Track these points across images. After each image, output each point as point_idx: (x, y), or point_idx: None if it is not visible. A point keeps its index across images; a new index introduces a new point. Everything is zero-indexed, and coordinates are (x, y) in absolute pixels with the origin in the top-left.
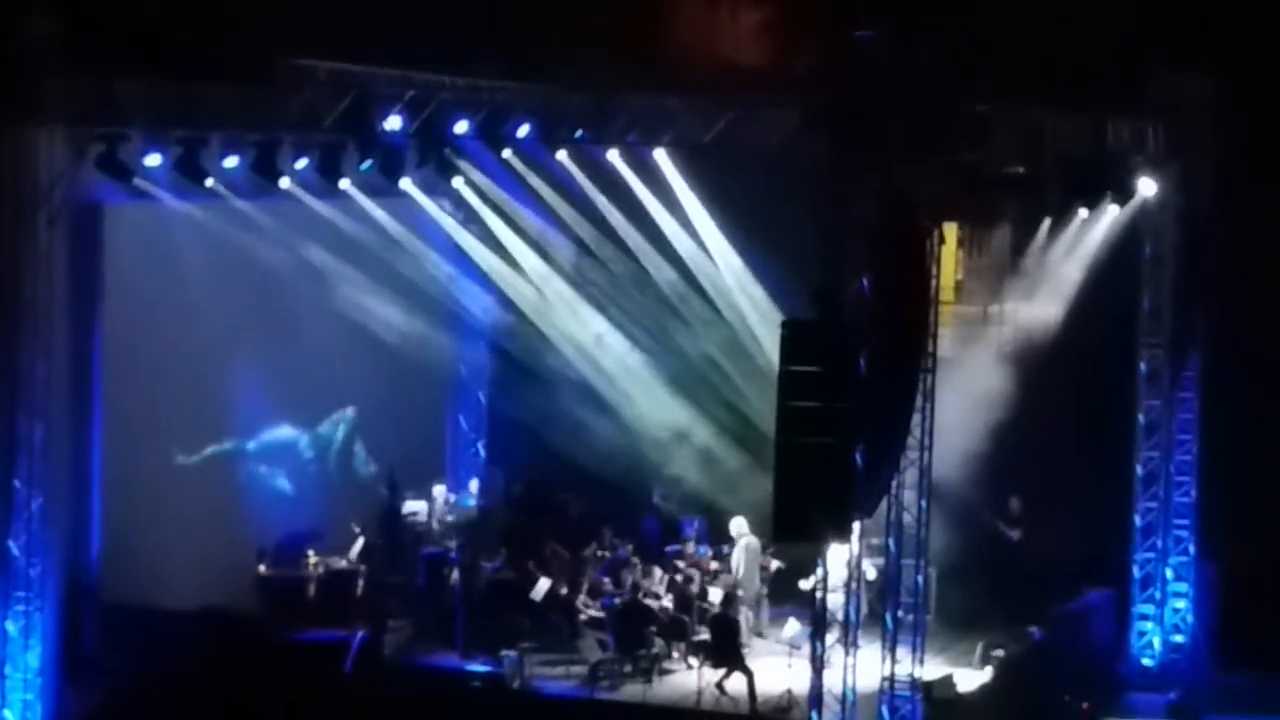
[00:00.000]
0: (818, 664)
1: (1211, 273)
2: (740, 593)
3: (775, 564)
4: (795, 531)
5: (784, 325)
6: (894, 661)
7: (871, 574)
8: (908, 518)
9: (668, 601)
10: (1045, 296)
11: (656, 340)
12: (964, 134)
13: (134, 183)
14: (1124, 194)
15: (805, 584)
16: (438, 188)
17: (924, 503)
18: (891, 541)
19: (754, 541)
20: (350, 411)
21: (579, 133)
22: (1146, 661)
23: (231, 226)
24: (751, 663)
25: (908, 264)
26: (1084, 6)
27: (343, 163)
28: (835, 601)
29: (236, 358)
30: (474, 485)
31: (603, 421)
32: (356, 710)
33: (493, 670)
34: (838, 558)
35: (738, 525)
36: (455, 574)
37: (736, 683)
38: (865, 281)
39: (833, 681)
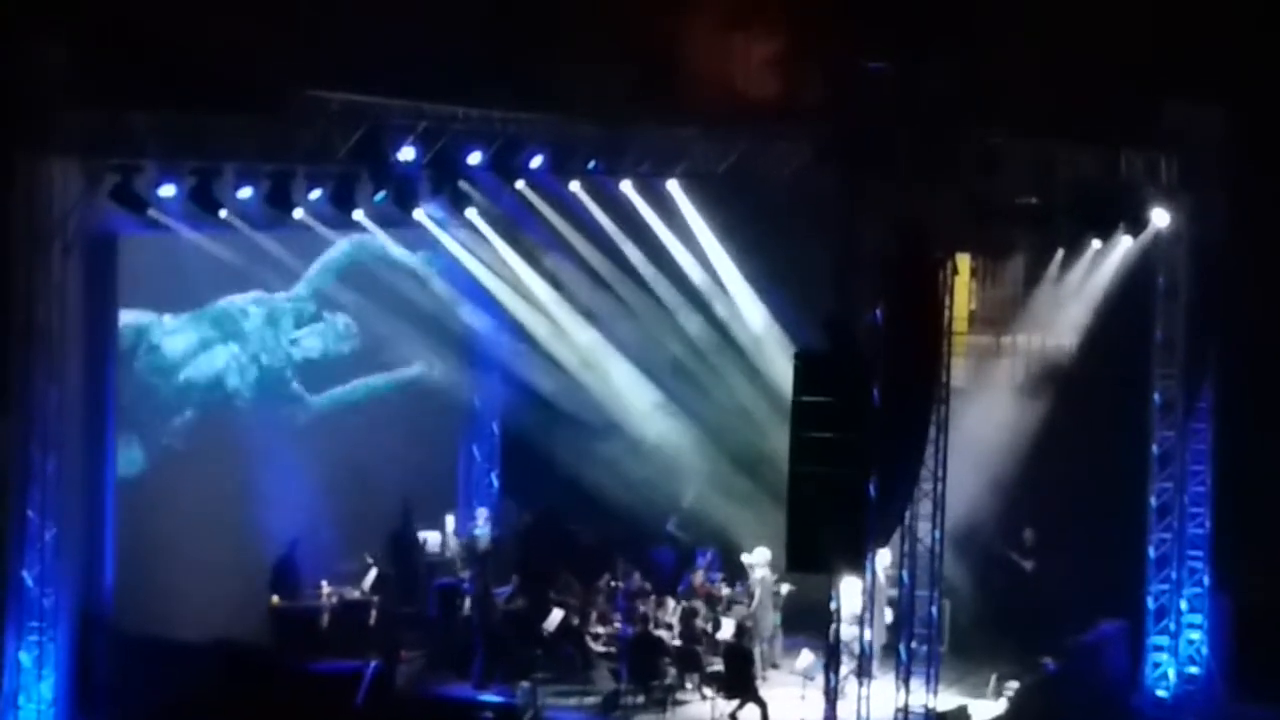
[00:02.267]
0: (831, 695)
1: (1225, 303)
2: (753, 624)
3: (786, 586)
4: (809, 562)
5: (797, 356)
6: (908, 692)
7: (887, 614)
8: (921, 548)
9: (681, 632)
10: (1058, 327)
11: (669, 370)
12: (976, 164)
13: (148, 213)
14: (1137, 225)
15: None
16: (451, 218)
17: (938, 533)
18: (905, 572)
19: (768, 573)
20: None
21: (592, 164)
22: (1161, 693)
23: (245, 257)
24: (765, 694)
25: (920, 294)
26: (1097, 37)
27: (356, 193)
28: (849, 632)
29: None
30: (482, 515)
31: (616, 452)
32: None
33: (506, 701)
34: (851, 589)
35: (758, 555)
36: (468, 604)
37: (750, 714)
38: (878, 312)
39: (846, 713)
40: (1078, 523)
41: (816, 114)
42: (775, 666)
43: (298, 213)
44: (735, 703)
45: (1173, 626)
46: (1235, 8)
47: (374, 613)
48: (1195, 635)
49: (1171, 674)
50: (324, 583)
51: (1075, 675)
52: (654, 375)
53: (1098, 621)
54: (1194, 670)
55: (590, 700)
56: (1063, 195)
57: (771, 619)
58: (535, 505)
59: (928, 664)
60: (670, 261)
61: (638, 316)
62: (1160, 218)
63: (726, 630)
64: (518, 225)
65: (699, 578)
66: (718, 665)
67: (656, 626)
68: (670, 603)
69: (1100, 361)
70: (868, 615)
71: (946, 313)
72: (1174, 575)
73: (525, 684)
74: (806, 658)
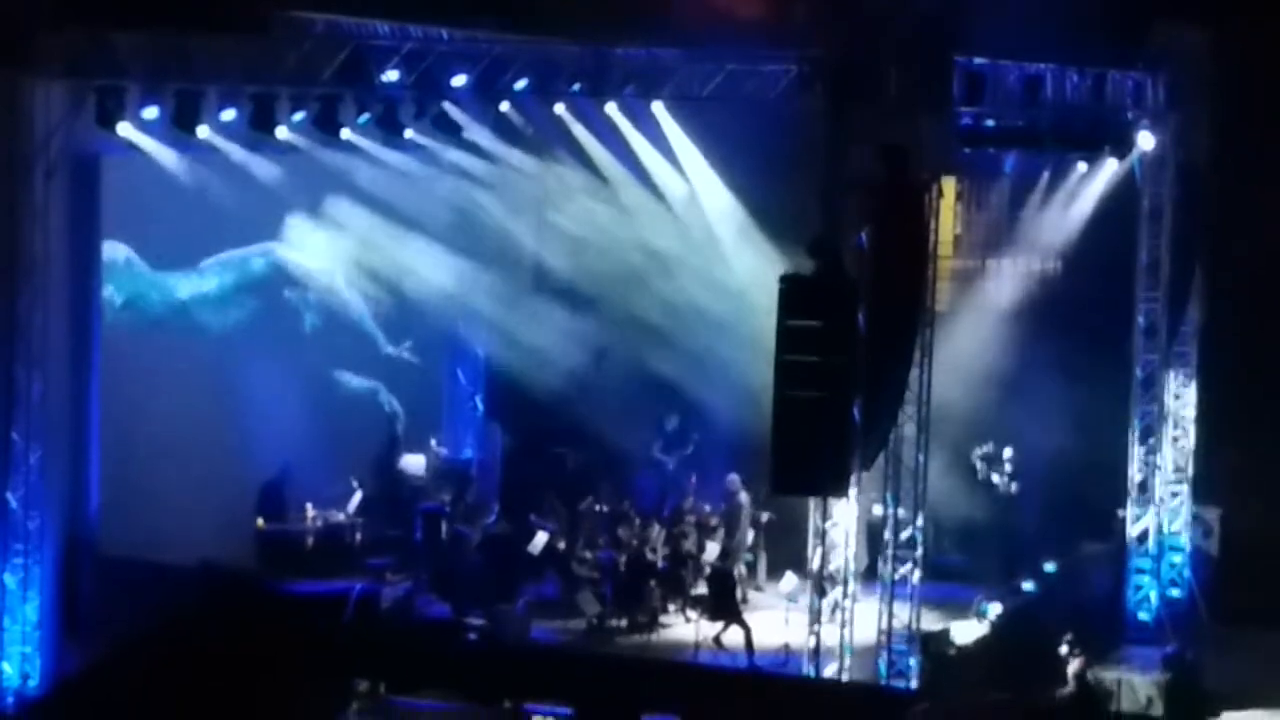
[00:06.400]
0: (815, 618)
1: (1209, 225)
2: (735, 547)
3: (765, 515)
4: (793, 486)
5: (782, 280)
6: (891, 615)
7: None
8: (905, 472)
9: (666, 556)
10: (1043, 250)
11: (653, 293)
12: (963, 87)
13: (132, 135)
14: (1122, 147)
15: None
16: (436, 139)
17: (921, 457)
18: (889, 495)
19: (745, 496)
20: None
21: (576, 86)
22: (1143, 616)
23: (229, 177)
24: (749, 617)
25: (906, 218)
26: None
27: (341, 115)
28: (833, 555)
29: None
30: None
31: (601, 375)
32: (354, 663)
33: (490, 623)
34: (835, 512)
35: (733, 480)
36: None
37: (734, 636)
38: (863, 236)
39: (830, 635)
40: (1061, 445)
41: (803, 36)
42: (759, 589)
43: (281, 132)
44: (719, 625)
45: (1154, 549)
46: None
47: (359, 535)
48: (1177, 558)
49: (1153, 597)
50: (309, 506)
51: (1057, 597)
52: (637, 297)
53: (1080, 544)
54: (1175, 593)
55: (575, 623)
56: (1048, 118)
57: (752, 542)
58: (520, 429)
59: (910, 587)
60: (654, 183)
61: (622, 238)
62: (1145, 140)
63: (711, 554)
64: (503, 145)
65: (689, 503)
66: (702, 588)
67: (642, 549)
68: (655, 526)
69: (1085, 284)
70: (851, 538)
71: (932, 237)
72: (1156, 498)
73: (509, 607)
74: (790, 581)
